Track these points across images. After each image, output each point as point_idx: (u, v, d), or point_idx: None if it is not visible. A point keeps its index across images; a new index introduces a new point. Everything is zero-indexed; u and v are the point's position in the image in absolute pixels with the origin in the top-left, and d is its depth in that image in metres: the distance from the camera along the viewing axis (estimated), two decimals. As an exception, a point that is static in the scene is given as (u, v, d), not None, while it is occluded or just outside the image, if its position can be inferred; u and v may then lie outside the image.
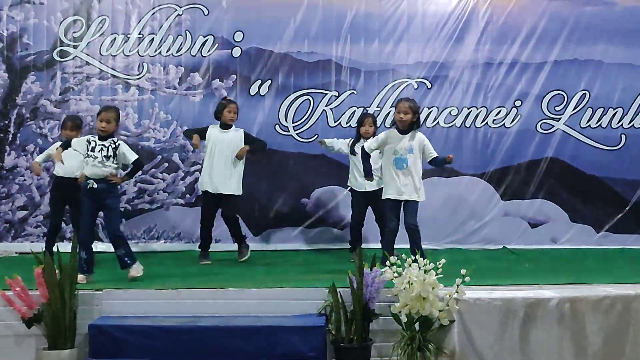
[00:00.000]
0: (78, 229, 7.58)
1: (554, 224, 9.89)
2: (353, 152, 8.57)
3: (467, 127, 9.73)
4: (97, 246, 9.25)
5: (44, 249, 7.83)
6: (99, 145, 7.16)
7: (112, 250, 8.99)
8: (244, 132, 8.74)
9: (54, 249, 6.64)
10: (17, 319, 6.10)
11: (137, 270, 7.15)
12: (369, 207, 8.66)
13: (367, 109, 9.73)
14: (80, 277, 6.79)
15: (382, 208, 7.99)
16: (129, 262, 7.19)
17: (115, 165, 7.21)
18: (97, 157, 7.13)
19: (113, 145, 7.18)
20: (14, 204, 9.64)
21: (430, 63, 9.86)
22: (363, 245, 6.31)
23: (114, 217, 7.34)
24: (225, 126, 8.64)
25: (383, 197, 7.62)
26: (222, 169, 8.53)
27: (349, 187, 8.86)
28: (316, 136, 9.57)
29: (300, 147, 9.73)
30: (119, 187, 7.40)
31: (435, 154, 7.59)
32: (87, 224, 7.23)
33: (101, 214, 7.83)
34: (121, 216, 8.00)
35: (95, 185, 7.12)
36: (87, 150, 7.17)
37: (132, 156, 7.27)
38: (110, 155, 7.15)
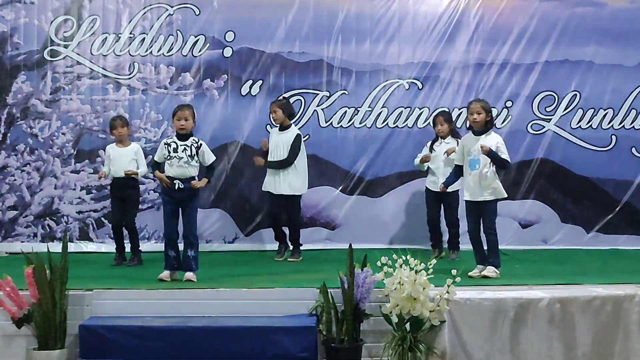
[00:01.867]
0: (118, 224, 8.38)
1: (545, 225, 9.92)
2: (432, 151, 8.68)
3: (458, 128, 9.74)
4: (88, 246, 9.36)
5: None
6: (180, 145, 7.20)
7: (103, 250, 9.09)
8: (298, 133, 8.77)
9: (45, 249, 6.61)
10: (7, 319, 6.09)
11: (194, 275, 7.14)
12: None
13: (359, 109, 9.74)
14: (166, 273, 7.07)
15: (453, 208, 8.45)
16: (194, 267, 7.19)
17: (197, 165, 7.25)
18: (182, 157, 7.14)
19: (196, 145, 7.21)
20: (4, 203, 9.61)
21: (421, 63, 9.87)
22: (354, 246, 6.28)
23: (194, 218, 7.32)
24: (282, 127, 8.71)
25: (464, 199, 7.54)
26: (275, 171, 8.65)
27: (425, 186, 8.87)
28: (307, 136, 9.55)
29: (291, 147, 9.72)
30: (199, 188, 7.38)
31: (505, 157, 7.31)
32: (175, 223, 7.25)
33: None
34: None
35: (182, 186, 7.14)
36: (169, 152, 7.16)
37: (211, 157, 7.32)
38: (194, 155, 7.19)
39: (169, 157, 7.16)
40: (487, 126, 7.33)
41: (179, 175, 7.15)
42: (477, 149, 7.23)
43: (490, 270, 7.14)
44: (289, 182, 8.62)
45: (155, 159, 7.31)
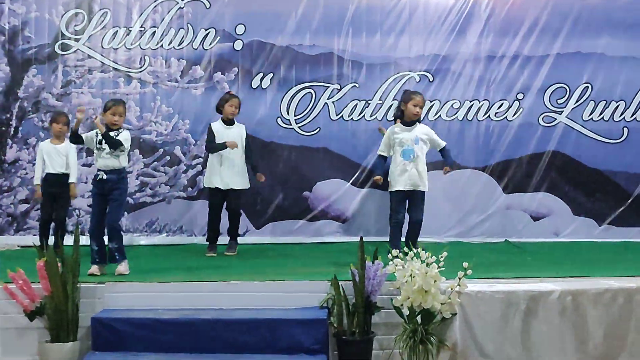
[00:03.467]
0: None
1: (556, 217, 9.89)
2: None
3: (469, 120, 9.72)
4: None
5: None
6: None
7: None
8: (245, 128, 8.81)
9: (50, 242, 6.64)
10: (19, 311, 6.11)
11: (125, 267, 7.08)
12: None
13: (369, 102, 9.73)
14: (94, 268, 6.97)
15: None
16: (118, 257, 7.14)
17: (122, 154, 7.23)
18: (105, 149, 7.16)
19: (117, 135, 7.22)
20: (15, 197, 9.65)
21: (432, 56, 9.84)
22: (365, 239, 6.28)
23: (118, 209, 7.31)
24: (228, 122, 8.66)
25: (391, 190, 7.68)
26: (229, 165, 8.58)
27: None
28: (318, 129, 9.55)
29: (302, 140, 9.73)
30: (127, 179, 7.41)
31: (443, 144, 7.88)
32: (97, 215, 7.25)
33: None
34: (124, 210, 8.00)
35: (105, 177, 7.15)
36: (96, 143, 7.20)
37: (120, 143, 7.22)
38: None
39: (97, 149, 7.20)
40: (418, 119, 7.83)
41: (102, 166, 7.18)
42: (411, 139, 7.71)
43: None
44: (242, 177, 8.69)
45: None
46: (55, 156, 8.44)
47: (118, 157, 7.20)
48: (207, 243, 8.72)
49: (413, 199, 7.74)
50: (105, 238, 7.22)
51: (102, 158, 7.18)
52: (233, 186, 8.61)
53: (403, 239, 7.73)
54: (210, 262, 8.11)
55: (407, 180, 7.67)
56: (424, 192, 7.75)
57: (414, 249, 5.99)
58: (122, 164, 7.23)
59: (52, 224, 8.53)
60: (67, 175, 8.42)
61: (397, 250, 6.02)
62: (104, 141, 7.14)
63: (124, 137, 7.21)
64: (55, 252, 7.96)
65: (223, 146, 8.47)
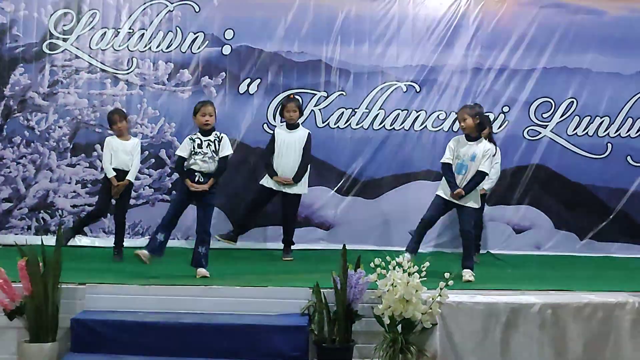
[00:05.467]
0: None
1: (538, 231, 9.95)
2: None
3: (454, 132, 9.73)
4: (81, 240, 9.32)
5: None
6: (204, 140, 7.25)
7: (97, 244, 9.07)
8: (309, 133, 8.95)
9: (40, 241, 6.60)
10: (-1, 311, 6.08)
11: (207, 272, 7.17)
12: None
13: (356, 110, 9.76)
14: (146, 253, 7.09)
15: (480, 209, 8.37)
16: (204, 263, 7.22)
17: (218, 160, 7.30)
18: (207, 153, 7.22)
19: (218, 139, 7.30)
20: (-2, 195, 9.62)
21: (419, 66, 9.89)
22: (348, 246, 6.29)
23: (210, 214, 7.38)
24: (291, 126, 8.81)
25: (437, 192, 7.61)
26: (287, 170, 8.73)
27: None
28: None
29: (288, 146, 9.73)
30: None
31: (484, 169, 7.41)
32: (178, 212, 7.32)
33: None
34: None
35: (202, 179, 7.19)
36: (194, 148, 7.22)
37: (227, 150, 7.35)
38: (218, 149, 7.26)
39: (193, 153, 7.22)
40: (478, 130, 7.45)
41: (202, 169, 7.22)
42: (468, 154, 7.39)
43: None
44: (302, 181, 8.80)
45: (181, 154, 7.31)
46: (121, 153, 8.41)
47: (216, 162, 7.26)
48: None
49: (460, 213, 7.54)
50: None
51: (202, 162, 7.21)
52: (286, 190, 8.72)
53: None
54: (191, 267, 8.09)
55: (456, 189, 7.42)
56: (471, 207, 7.48)
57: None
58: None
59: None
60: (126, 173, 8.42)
61: (379, 259, 6.02)
62: (203, 145, 7.21)
63: (225, 145, 7.34)
64: (116, 252, 8.33)
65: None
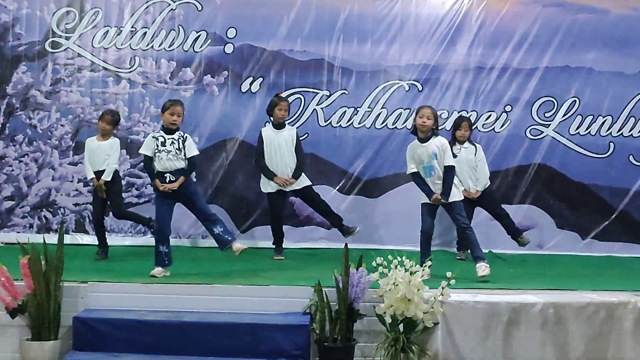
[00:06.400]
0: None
1: (541, 230, 9.93)
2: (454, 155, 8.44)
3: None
4: (83, 238, 9.35)
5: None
6: (168, 139, 7.24)
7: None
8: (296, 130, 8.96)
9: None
10: (0, 308, 6.09)
11: (240, 244, 7.28)
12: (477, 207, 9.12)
13: (358, 109, 9.75)
14: (159, 270, 7.09)
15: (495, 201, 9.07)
16: (229, 238, 7.32)
17: (183, 158, 7.29)
18: (171, 151, 7.21)
19: (182, 139, 7.28)
20: (0, 193, 9.62)
21: (422, 65, 9.88)
22: (350, 246, 6.30)
23: (201, 200, 7.53)
24: (279, 126, 8.75)
25: (420, 202, 7.58)
26: (282, 169, 8.69)
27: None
28: (306, 135, 9.57)
29: (290, 145, 9.73)
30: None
31: (450, 163, 7.43)
32: (166, 218, 7.31)
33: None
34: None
35: (174, 178, 7.20)
36: (157, 146, 7.21)
37: (193, 151, 7.36)
38: (182, 148, 7.24)
39: (157, 151, 7.20)
40: (432, 132, 7.45)
41: (168, 168, 7.20)
42: (428, 154, 7.38)
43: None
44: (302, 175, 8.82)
45: (146, 152, 7.29)
46: (97, 153, 8.43)
47: (181, 160, 7.27)
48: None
49: (449, 212, 7.56)
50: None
51: (167, 160, 7.20)
52: (295, 187, 8.73)
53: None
54: (194, 264, 8.10)
55: (433, 194, 7.42)
56: (457, 201, 7.49)
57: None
58: (183, 165, 7.29)
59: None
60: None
61: (381, 258, 6.02)
62: (167, 143, 7.20)
63: (191, 146, 7.35)
64: (99, 252, 8.41)
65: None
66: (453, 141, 8.86)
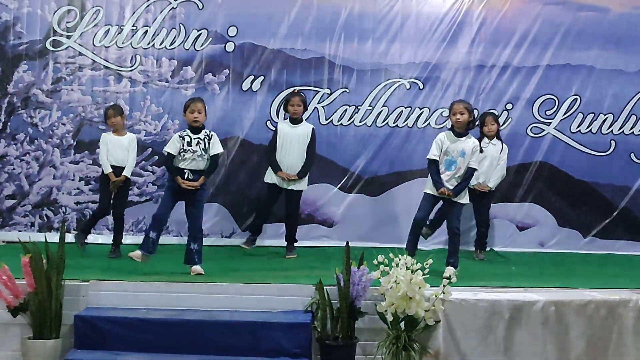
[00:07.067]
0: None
1: (542, 228, 9.93)
2: (480, 151, 8.38)
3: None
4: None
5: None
6: (194, 138, 7.25)
7: (100, 241, 9.07)
8: (313, 128, 8.93)
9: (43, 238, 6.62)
10: (2, 307, 6.10)
11: (201, 270, 7.14)
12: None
13: (359, 107, 9.76)
14: (138, 253, 7.09)
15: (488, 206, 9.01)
16: (197, 260, 7.22)
17: (208, 158, 7.31)
18: (196, 151, 7.21)
19: (208, 137, 7.29)
20: (2, 192, 9.61)
21: (422, 64, 9.87)
22: (351, 244, 6.30)
23: (201, 211, 7.43)
24: (294, 121, 8.77)
25: (425, 190, 7.59)
26: (290, 164, 8.71)
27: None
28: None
29: (291, 143, 9.73)
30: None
31: (474, 166, 7.49)
32: (167, 208, 7.34)
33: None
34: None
35: (192, 177, 7.19)
36: (183, 145, 7.21)
37: (218, 148, 7.36)
38: (207, 147, 7.26)
39: (182, 150, 7.20)
40: (468, 126, 7.48)
41: (192, 167, 7.22)
42: (457, 150, 7.39)
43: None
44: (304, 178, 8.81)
45: (170, 150, 7.28)
46: (117, 148, 8.45)
47: (206, 160, 7.27)
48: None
49: (449, 208, 7.56)
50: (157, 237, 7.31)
51: (192, 160, 7.21)
52: (288, 187, 8.72)
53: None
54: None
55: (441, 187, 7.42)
56: (461, 203, 7.52)
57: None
58: (206, 166, 7.30)
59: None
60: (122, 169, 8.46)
61: (383, 257, 6.02)
62: (193, 142, 7.20)
63: (216, 144, 7.35)
64: (113, 249, 8.38)
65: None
66: (481, 137, 8.86)
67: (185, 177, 7.18)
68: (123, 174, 8.38)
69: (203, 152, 7.21)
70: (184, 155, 7.20)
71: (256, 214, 9.13)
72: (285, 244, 8.96)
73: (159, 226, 7.30)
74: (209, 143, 7.26)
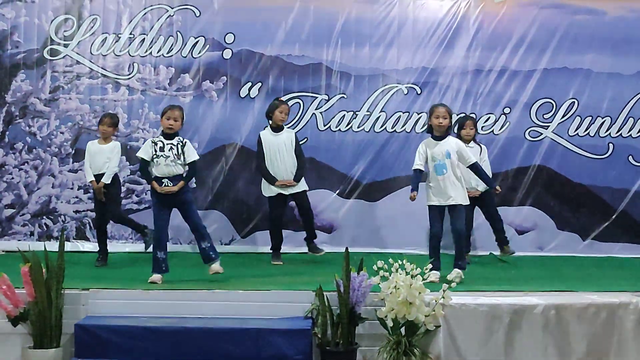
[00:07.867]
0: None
1: (541, 232, 9.93)
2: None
3: (455, 133, 9.74)
4: (84, 245, 9.35)
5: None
6: (167, 144, 7.24)
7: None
8: (295, 134, 8.92)
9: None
10: (2, 317, 6.08)
11: (220, 266, 7.21)
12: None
13: (357, 113, 9.76)
14: (157, 277, 7.03)
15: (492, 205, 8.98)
16: (213, 256, 7.29)
17: (182, 163, 7.28)
18: (169, 157, 7.20)
19: (181, 144, 7.27)
20: (1, 201, 9.62)
21: (420, 69, 9.89)
22: (351, 249, 6.30)
23: (194, 210, 7.48)
24: (277, 128, 8.72)
25: (427, 204, 7.52)
26: (284, 171, 8.67)
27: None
28: (305, 139, 9.57)
29: (289, 150, 9.73)
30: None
31: (472, 160, 7.48)
32: (164, 223, 7.31)
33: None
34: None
35: (171, 184, 7.17)
36: (156, 151, 7.20)
37: (193, 155, 7.35)
38: (180, 153, 7.23)
39: (155, 156, 7.20)
40: (447, 131, 7.49)
41: (167, 173, 7.19)
42: (442, 152, 7.36)
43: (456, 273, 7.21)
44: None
45: (143, 156, 7.28)
46: (98, 156, 8.41)
47: (179, 165, 7.26)
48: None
49: (452, 212, 7.48)
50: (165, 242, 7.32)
51: (165, 166, 7.19)
52: (292, 191, 8.70)
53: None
54: (195, 270, 8.08)
55: (442, 195, 7.39)
56: (462, 205, 7.46)
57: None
58: (181, 171, 7.28)
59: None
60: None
61: (382, 262, 6.02)
62: (165, 148, 7.20)
63: (191, 151, 7.34)
64: (99, 258, 8.40)
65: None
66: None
67: (164, 185, 7.18)
68: (102, 180, 8.32)
69: (176, 157, 7.20)
70: (157, 162, 7.19)
71: (271, 235, 8.96)
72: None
73: (163, 245, 7.27)
74: (182, 149, 7.25)
